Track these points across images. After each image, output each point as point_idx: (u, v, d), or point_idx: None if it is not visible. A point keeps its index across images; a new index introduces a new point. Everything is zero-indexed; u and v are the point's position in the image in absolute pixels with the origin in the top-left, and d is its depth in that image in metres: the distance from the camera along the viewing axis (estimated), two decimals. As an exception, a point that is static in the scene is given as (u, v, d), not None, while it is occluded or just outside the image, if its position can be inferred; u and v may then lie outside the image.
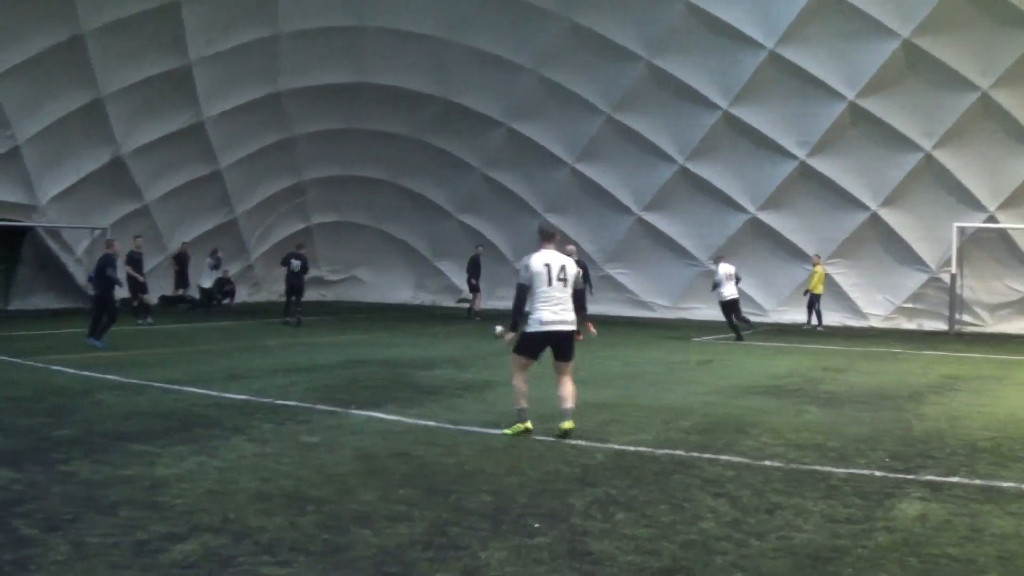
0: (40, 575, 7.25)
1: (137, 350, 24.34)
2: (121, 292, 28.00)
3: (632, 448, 12.64)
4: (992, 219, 36.21)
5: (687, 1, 36.22)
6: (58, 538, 8.12)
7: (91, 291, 36.31)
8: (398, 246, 50.16)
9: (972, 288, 37.41)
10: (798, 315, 38.28)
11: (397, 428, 13.88)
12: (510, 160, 44.53)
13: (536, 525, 8.84)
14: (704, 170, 40.21)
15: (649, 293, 43.39)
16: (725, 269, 32.43)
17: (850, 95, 36.14)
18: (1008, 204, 35.90)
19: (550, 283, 13.33)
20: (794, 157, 38.20)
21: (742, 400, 17.50)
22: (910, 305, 38.63)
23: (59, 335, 28.94)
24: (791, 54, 36.08)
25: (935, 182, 36.62)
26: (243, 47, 38.66)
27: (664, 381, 20.43)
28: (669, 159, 40.64)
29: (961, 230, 36.26)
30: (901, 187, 37.08)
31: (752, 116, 38.21)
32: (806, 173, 38.32)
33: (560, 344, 13.58)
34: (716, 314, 36.70)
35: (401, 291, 50.49)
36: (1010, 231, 36.25)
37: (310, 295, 46.04)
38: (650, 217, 42.26)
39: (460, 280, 45.10)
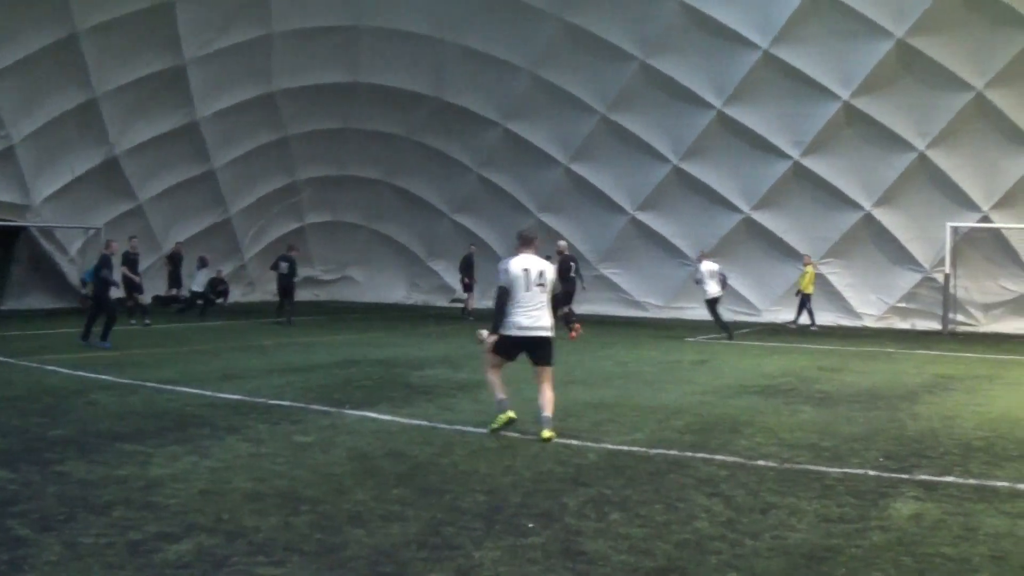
0: (34, 575, 7.25)
1: (131, 350, 24.31)
2: (116, 292, 27.96)
3: (626, 448, 12.65)
4: (986, 219, 36.18)
5: (681, 1, 36.22)
6: (52, 538, 8.14)
7: (83, 291, 36.68)
8: (392, 246, 50.16)
9: (966, 288, 37.38)
10: (792, 315, 38.22)
11: (391, 428, 13.88)
12: (504, 160, 44.56)
13: (530, 525, 8.86)
14: (698, 170, 40.20)
15: (643, 293, 43.39)
16: (708, 267, 32.91)
17: (844, 95, 36.13)
18: (1002, 204, 35.88)
19: (528, 288, 13.37)
20: (788, 157, 38.19)
21: (736, 400, 17.51)
22: (904, 305, 38.61)
23: (53, 335, 28.96)
24: (785, 54, 36.09)
25: (929, 182, 36.62)
26: (237, 46, 38.64)
27: (658, 381, 20.40)
28: (663, 159, 40.64)
29: (955, 230, 36.21)
30: (895, 187, 37.08)
31: (746, 116, 38.21)
32: (800, 173, 38.31)
33: (536, 349, 13.57)
34: (707, 313, 36.82)
35: (395, 291, 50.50)
36: (1004, 231, 36.23)
37: (304, 295, 46.24)
38: (644, 217, 42.26)
39: (454, 280, 45.13)
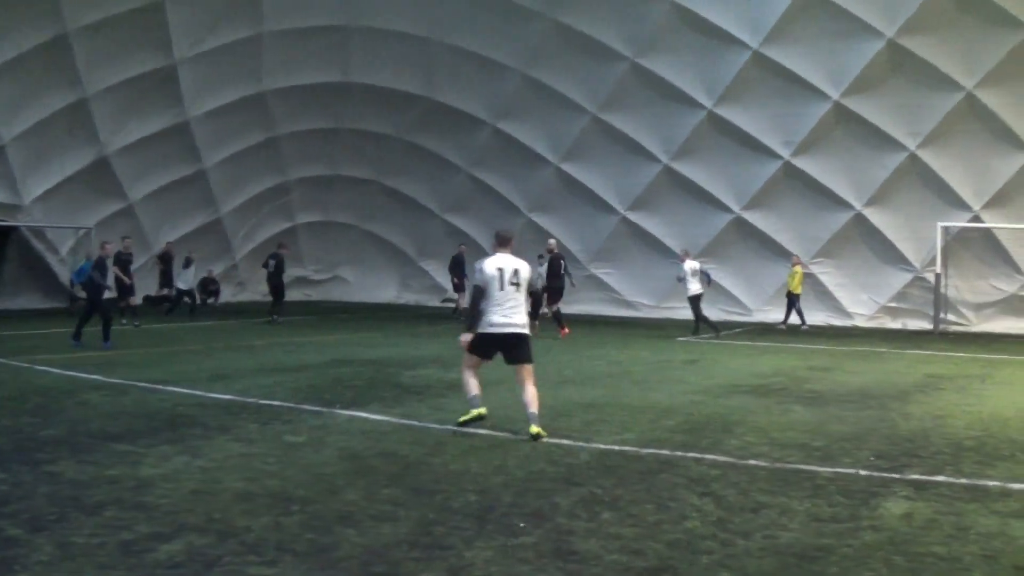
0: (25, 575, 7.24)
1: (122, 350, 24.29)
2: (108, 293, 27.91)
3: (617, 447, 12.65)
4: (976, 219, 36.23)
5: (672, 1, 36.23)
6: (43, 538, 8.13)
7: (72, 291, 36.64)
8: (383, 246, 50.18)
9: (957, 287, 37.45)
10: (783, 315, 38.24)
11: (382, 428, 13.87)
12: (495, 160, 44.58)
13: (521, 525, 8.86)
14: (689, 170, 40.23)
15: (634, 292, 43.41)
16: (690, 266, 33.30)
17: (835, 95, 36.17)
18: (992, 204, 35.92)
19: (502, 287, 13.49)
20: (779, 157, 38.22)
21: (727, 399, 17.50)
22: (895, 304, 38.65)
23: (44, 335, 28.93)
24: (776, 54, 36.12)
25: (920, 182, 36.65)
26: (228, 46, 38.65)
27: (649, 380, 20.39)
28: (654, 159, 40.68)
29: (945, 229, 36.29)
30: (886, 187, 37.12)
31: (737, 116, 38.23)
32: (791, 173, 38.34)
33: (511, 347, 13.62)
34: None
35: (386, 291, 50.51)
36: (994, 231, 36.28)
37: (295, 295, 46.24)
38: (635, 217, 42.30)
39: (445, 280, 45.15)
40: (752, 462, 11.81)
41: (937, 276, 36.48)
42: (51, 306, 38.97)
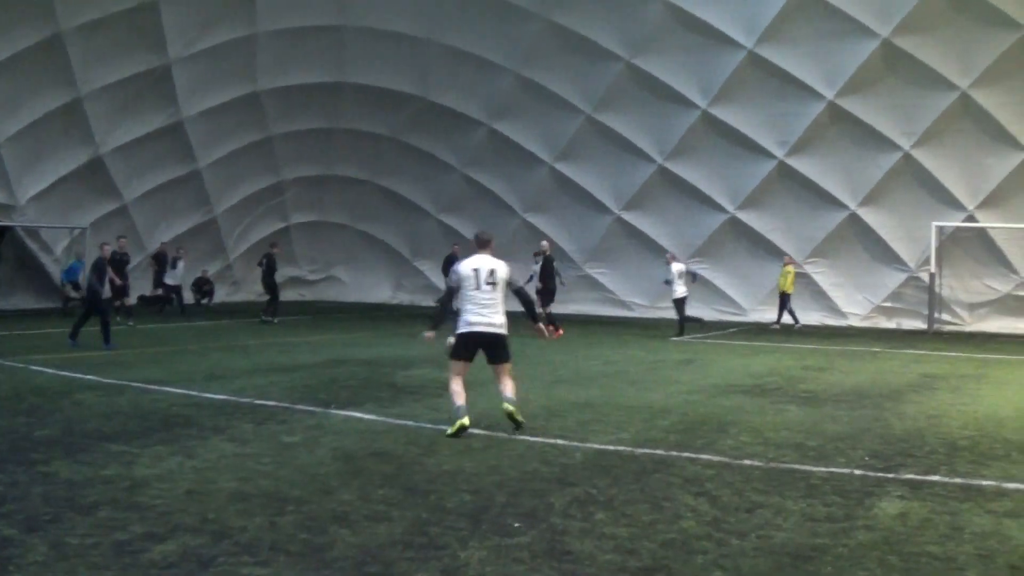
0: (19, 576, 7.25)
1: (117, 350, 24.24)
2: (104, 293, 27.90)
3: (612, 447, 12.66)
4: (971, 218, 36.26)
5: (666, 1, 36.23)
6: (38, 539, 8.12)
7: (70, 292, 36.65)
8: (377, 246, 50.14)
9: (951, 287, 37.46)
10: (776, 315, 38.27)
11: (377, 428, 13.89)
12: (490, 160, 44.56)
13: (516, 524, 8.87)
14: (683, 170, 40.22)
15: (628, 292, 43.38)
16: (677, 268, 33.32)
17: (829, 95, 36.19)
18: (987, 203, 35.95)
19: (478, 287, 13.70)
20: (773, 156, 38.23)
21: (722, 399, 17.52)
22: (889, 304, 38.68)
23: (39, 335, 28.89)
24: (770, 54, 36.13)
25: (914, 181, 36.67)
26: (222, 46, 38.60)
27: (644, 380, 20.41)
28: (648, 159, 40.68)
29: (940, 229, 36.32)
30: (880, 186, 37.14)
31: (731, 116, 38.23)
32: (785, 173, 38.35)
33: (490, 347, 13.82)
34: (696, 313, 36.86)
35: (380, 291, 50.47)
36: (989, 230, 36.31)
37: (290, 295, 46.18)
38: (629, 216, 42.29)
39: (439, 280, 45.09)
40: (747, 462, 11.82)
41: (931, 276, 36.53)
42: (45, 306, 38.88)
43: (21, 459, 11.23)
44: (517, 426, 13.44)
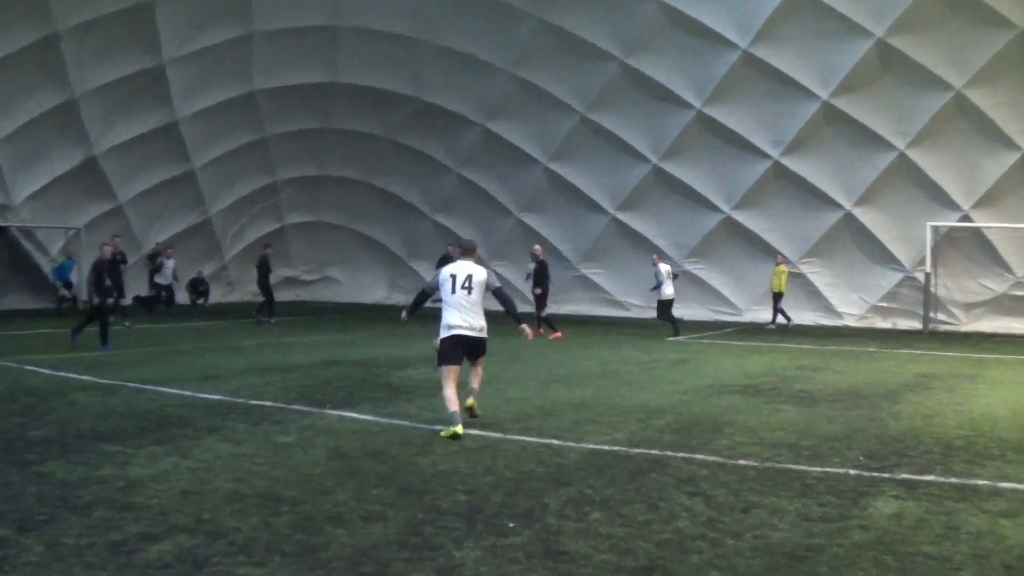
0: (14, 576, 7.24)
1: (112, 350, 24.25)
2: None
3: (607, 447, 12.66)
4: (966, 218, 36.28)
5: (660, 1, 36.21)
6: (32, 539, 8.12)
7: (61, 290, 36.68)
8: (372, 246, 50.15)
9: (946, 287, 37.50)
10: (771, 315, 38.29)
11: (372, 428, 13.88)
12: (484, 160, 44.57)
13: (511, 525, 8.86)
14: (678, 170, 40.22)
15: (623, 293, 43.35)
16: (665, 269, 33.65)
17: (824, 95, 36.18)
18: (982, 203, 35.97)
19: (454, 291, 14.03)
20: (768, 156, 38.23)
21: (717, 399, 17.52)
22: (885, 304, 38.70)
23: (33, 335, 28.88)
24: (765, 54, 36.11)
25: (909, 181, 36.69)
26: (217, 47, 38.55)
27: (639, 380, 20.42)
28: (643, 159, 40.67)
29: (935, 229, 36.35)
30: (875, 186, 37.16)
31: (726, 116, 38.22)
32: (780, 173, 38.36)
33: (473, 348, 14.28)
34: (691, 313, 37.20)
35: (375, 291, 50.46)
36: (984, 230, 36.33)
37: (285, 295, 46.20)
38: (624, 217, 42.29)
39: (433, 280, 45.08)
40: (742, 462, 11.82)
41: (927, 276, 36.56)
42: (40, 306, 38.89)
43: (16, 459, 11.22)
44: (454, 438, 13.39)
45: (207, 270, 45.56)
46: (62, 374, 19.34)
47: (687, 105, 38.55)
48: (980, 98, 34.32)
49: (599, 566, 7.72)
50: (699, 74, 37.85)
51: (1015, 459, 12.37)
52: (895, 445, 13.16)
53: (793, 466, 11.65)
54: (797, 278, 38.64)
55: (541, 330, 31.38)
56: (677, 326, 33.26)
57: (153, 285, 39.16)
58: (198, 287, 44.38)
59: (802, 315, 38.64)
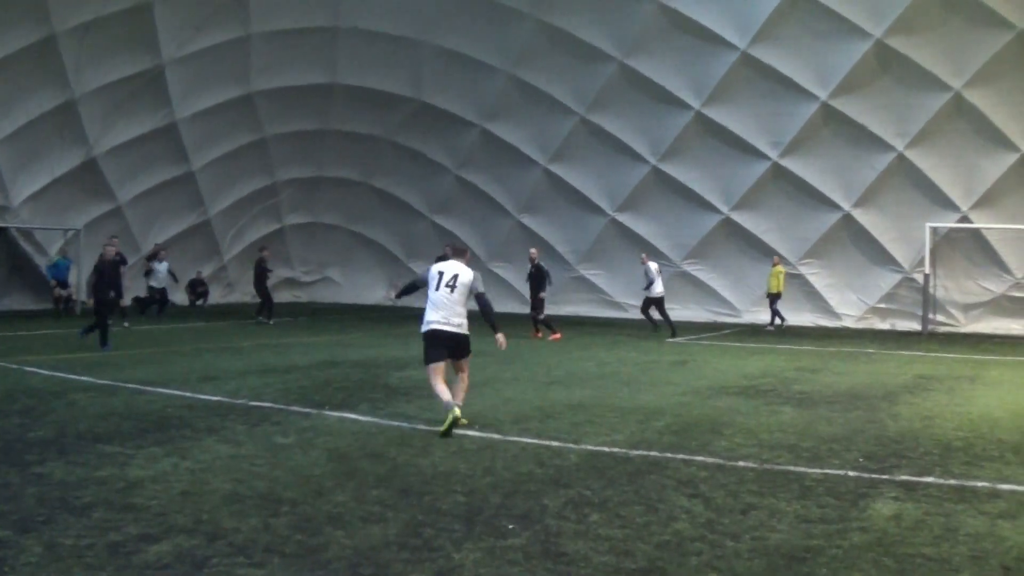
0: (13, 577, 7.24)
1: (111, 351, 24.25)
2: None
3: (606, 449, 12.65)
4: (965, 219, 36.30)
5: (659, 2, 36.22)
6: (32, 539, 8.11)
7: (56, 289, 36.74)
8: (371, 247, 50.22)
9: (945, 288, 37.51)
10: (769, 317, 38.29)
11: (371, 429, 13.88)
12: (483, 161, 44.61)
13: (510, 526, 8.85)
14: (677, 171, 40.23)
15: (622, 294, 43.32)
16: (655, 267, 33.94)
17: (822, 95, 36.19)
18: (981, 204, 35.99)
19: (438, 288, 14.37)
20: (767, 157, 38.26)
21: (716, 400, 17.51)
22: (883, 305, 38.71)
23: (32, 336, 28.87)
24: (763, 54, 36.12)
25: (908, 182, 36.71)
26: (215, 48, 38.57)
27: (638, 382, 20.39)
28: (642, 160, 40.70)
29: (934, 230, 36.37)
30: (874, 187, 37.17)
31: (724, 116, 38.25)
32: (779, 173, 38.37)
33: (456, 347, 14.47)
34: (690, 315, 37.34)
35: (374, 292, 50.44)
36: (983, 231, 36.34)
37: (284, 296, 46.25)
38: (623, 218, 42.32)
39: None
40: (741, 463, 11.82)
41: (926, 277, 36.57)
42: (40, 307, 38.90)
43: (15, 460, 11.22)
44: (453, 425, 13.56)
45: (206, 271, 45.65)
46: (61, 375, 19.34)
47: (686, 106, 38.58)
48: (979, 99, 34.34)
49: (598, 567, 7.72)
50: (698, 75, 37.87)
51: (1014, 460, 12.37)
52: (894, 446, 13.15)
53: (792, 468, 11.64)
54: (796, 279, 38.72)
55: (539, 334, 31.48)
56: (653, 323, 33.59)
57: (149, 288, 39.13)
58: (197, 288, 44.42)
59: (801, 316, 38.72)
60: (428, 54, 41.20)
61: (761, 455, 12.36)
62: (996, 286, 36.85)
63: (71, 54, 35.09)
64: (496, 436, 13.32)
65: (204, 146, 42.29)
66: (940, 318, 37.53)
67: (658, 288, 33.60)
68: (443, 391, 13.81)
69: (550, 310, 34.04)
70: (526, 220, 44.36)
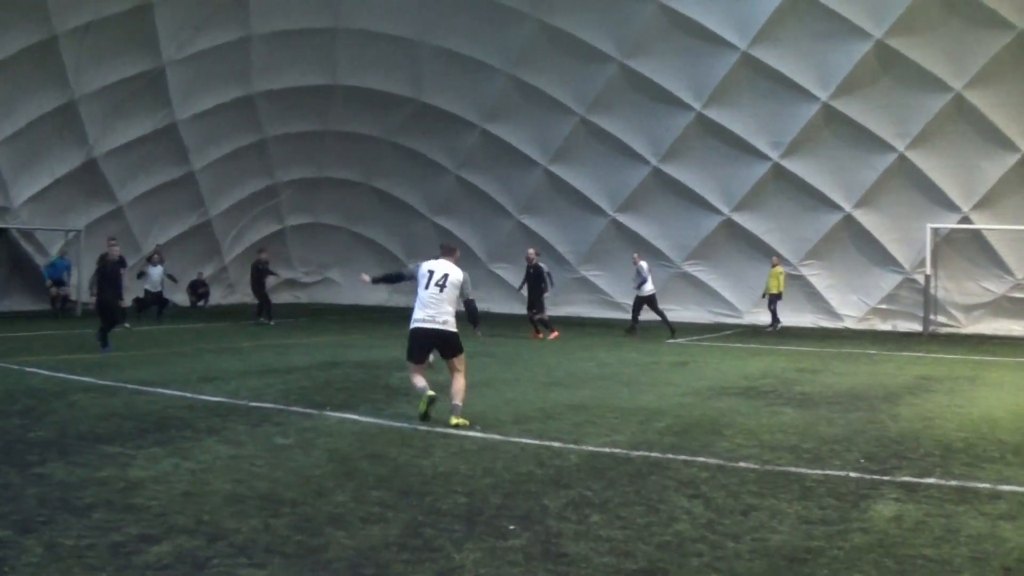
0: (13, 578, 7.24)
1: (112, 352, 24.24)
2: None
3: (607, 449, 12.64)
4: (966, 220, 36.29)
5: (659, 2, 36.24)
6: (32, 540, 8.10)
7: (52, 288, 36.76)
8: (372, 248, 50.16)
9: (946, 289, 37.52)
10: (768, 318, 38.28)
11: (371, 430, 13.88)
12: (483, 161, 44.61)
13: (510, 527, 8.84)
14: (677, 171, 40.24)
15: (622, 294, 43.18)
16: (647, 265, 33.99)
17: (823, 96, 36.20)
18: (982, 205, 35.98)
19: (426, 286, 14.79)
20: (767, 158, 38.25)
21: (717, 401, 17.51)
22: (884, 306, 38.70)
23: (32, 336, 28.85)
24: (764, 55, 36.14)
25: (909, 183, 36.70)
26: (216, 49, 38.61)
27: (638, 382, 20.40)
28: (642, 160, 40.70)
29: (935, 231, 36.36)
30: (875, 188, 37.17)
31: (725, 117, 38.24)
32: (779, 174, 38.37)
33: (442, 344, 14.83)
34: (691, 315, 37.38)
35: (375, 293, 50.32)
36: (984, 232, 36.34)
37: (284, 297, 46.23)
38: (623, 218, 42.32)
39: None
40: (742, 464, 11.81)
41: (927, 278, 36.58)
42: (40, 308, 38.87)
43: (15, 461, 11.20)
44: (429, 404, 14.27)
45: (207, 272, 45.63)
46: (62, 375, 19.32)
47: (686, 107, 38.59)
48: (979, 99, 34.35)
49: (599, 568, 7.71)
50: (698, 76, 37.88)
51: (1015, 461, 12.36)
52: (895, 447, 13.15)
53: (793, 468, 11.63)
54: (797, 280, 38.72)
55: (540, 335, 31.49)
56: (670, 324, 33.68)
57: (144, 291, 39.04)
58: (198, 289, 44.43)
59: (802, 317, 38.73)
60: (428, 55, 41.23)
61: (762, 456, 12.35)
62: (997, 287, 36.85)
63: (71, 55, 35.12)
64: (497, 437, 13.32)
65: (204, 147, 42.29)
66: (941, 319, 37.54)
67: (649, 287, 33.66)
68: (418, 380, 14.48)
69: (551, 311, 34.04)
70: (526, 221, 44.36)
